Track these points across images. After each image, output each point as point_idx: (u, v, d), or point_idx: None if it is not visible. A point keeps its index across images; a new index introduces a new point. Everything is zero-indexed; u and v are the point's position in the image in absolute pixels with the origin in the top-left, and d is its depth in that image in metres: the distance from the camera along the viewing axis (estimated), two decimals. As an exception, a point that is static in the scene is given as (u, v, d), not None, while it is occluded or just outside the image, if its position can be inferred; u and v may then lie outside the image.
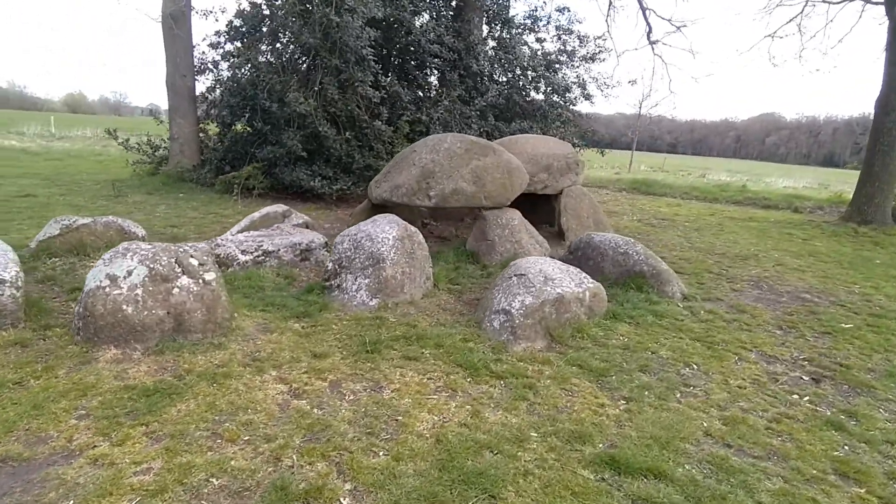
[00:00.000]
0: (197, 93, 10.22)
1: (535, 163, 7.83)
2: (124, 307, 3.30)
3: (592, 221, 7.80)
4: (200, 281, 3.57)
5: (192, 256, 3.62)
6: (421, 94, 10.67)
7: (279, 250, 5.24)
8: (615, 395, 3.23)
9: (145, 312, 3.34)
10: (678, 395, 3.26)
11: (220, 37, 9.94)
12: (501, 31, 12.28)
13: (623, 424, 2.89)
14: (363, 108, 9.56)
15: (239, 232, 6.08)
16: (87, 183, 9.85)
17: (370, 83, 9.07)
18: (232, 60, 9.49)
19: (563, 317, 4.07)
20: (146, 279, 3.40)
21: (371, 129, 9.44)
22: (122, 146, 10.52)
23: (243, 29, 9.85)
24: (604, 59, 12.92)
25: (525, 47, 12.63)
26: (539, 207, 8.74)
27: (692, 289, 5.58)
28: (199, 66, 10.14)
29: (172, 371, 3.15)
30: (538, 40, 12.90)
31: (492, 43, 12.78)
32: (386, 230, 4.69)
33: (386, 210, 6.94)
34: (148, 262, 3.45)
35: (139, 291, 3.35)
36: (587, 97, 12.76)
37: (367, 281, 4.49)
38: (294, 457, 2.47)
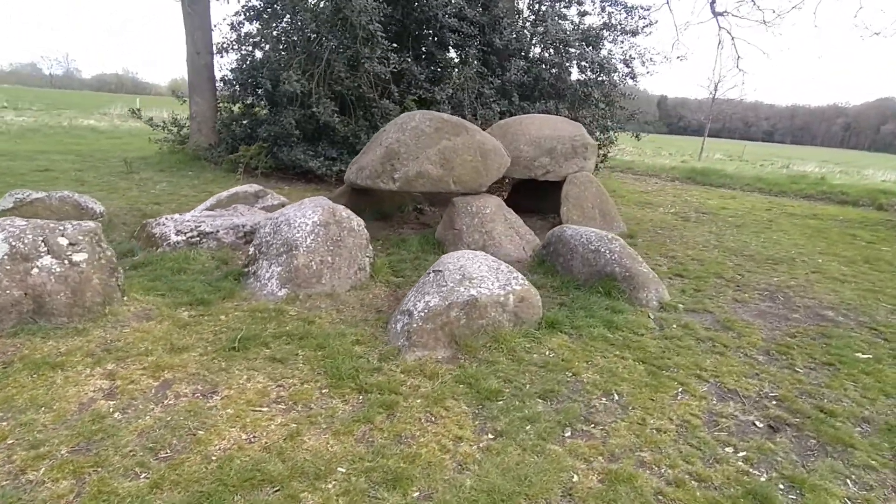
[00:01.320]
0: (218, 73, 10.28)
1: (537, 146, 7.10)
2: (-25, 285, 3.11)
3: (598, 212, 6.94)
4: (66, 262, 3.32)
5: (62, 236, 3.38)
6: (439, 72, 10.06)
7: (218, 231, 4.98)
8: (486, 426, 2.62)
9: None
10: (567, 434, 2.59)
11: (238, 16, 9.88)
12: (538, 4, 11.36)
13: (465, 468, 2.30)
14: (373, 85, 9.15)
15: (204, 210, 5.92)
16: (113, 160, 10.23)
17: (377, 59, 8.62)
18: (244, 40, 9.42)
19: (477, 323, 3.46)
20: (5, 257, 3.19)
21: (379, 108, 9.03)
22: (148, 124, 10.85)
23: (260, 7, 9.73)
24: (649, 33, 11.59)
25: (566, 22, 11.61)
26: (549, 195, 7.96)
27: (682, 296, 4.70)
28: (221, 46, 10.14)
29: (7, 357, 2.92)
30: (581, 13, 11.82)
31: (531, 16, 11.90)
32: (307, 215, 4.26)
33: (365, 193, 6.54)
34: (11, 240, 3.24)
35: (-6, 270, 3.15)
36: (632, 76, 11.56)
37: (279, 269, 4.09)
38: (44, 469, 2.13)
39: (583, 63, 11.19)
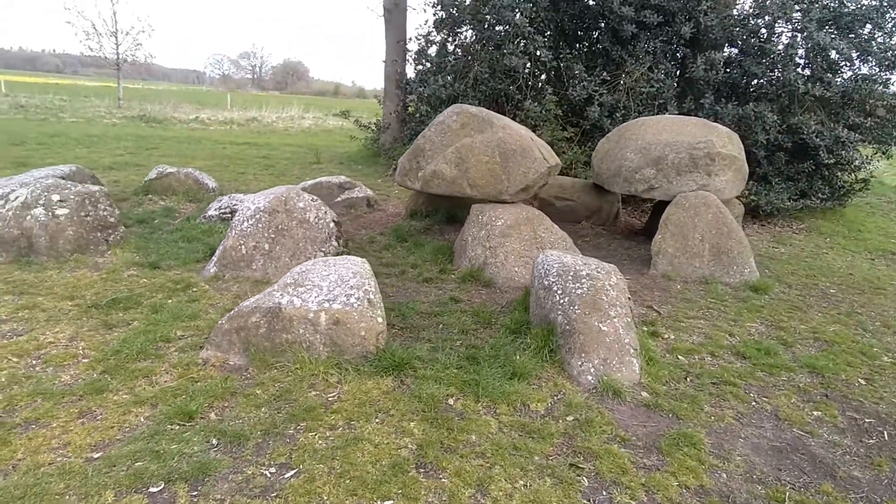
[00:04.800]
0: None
1: (644, 154, 5.57)
2: (-7, 222, 4.18)
3: (709, 247, 4.95)
4: (50, 213, 4.17)
5: (57, 194, 4.25)
6: (610, 69, 8.66)
7: (248, 212, 5.45)
8: (87, 453, 2.22)
9: (7, 230, 4.14)
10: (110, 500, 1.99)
11: (428, 27, 10.50)
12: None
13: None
14: (527, 85, 8.56)
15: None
16: (324, 154, 12.20)
17: (518, 54, 8.03)
18: (427, 47, 10.02)
19: (280, 337, 2.93)
20: (20, 204, 4.21)
21: (522, 110, 8.39)
22: (356, 124, 12.48)
23: (446, 17, 10.13)
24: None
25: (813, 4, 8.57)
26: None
27: (677, 383, 3.00)
28: (416, 55, 10.96)
29: (-21, 276, 3.86)
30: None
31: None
32: (256, 201, 4.30)
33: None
34: (27, 193, 4.25)
35: (7, 212, 4.18)
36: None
37: (221, 249, 4.26)
38: None
39: (853, 53, 8.04)
